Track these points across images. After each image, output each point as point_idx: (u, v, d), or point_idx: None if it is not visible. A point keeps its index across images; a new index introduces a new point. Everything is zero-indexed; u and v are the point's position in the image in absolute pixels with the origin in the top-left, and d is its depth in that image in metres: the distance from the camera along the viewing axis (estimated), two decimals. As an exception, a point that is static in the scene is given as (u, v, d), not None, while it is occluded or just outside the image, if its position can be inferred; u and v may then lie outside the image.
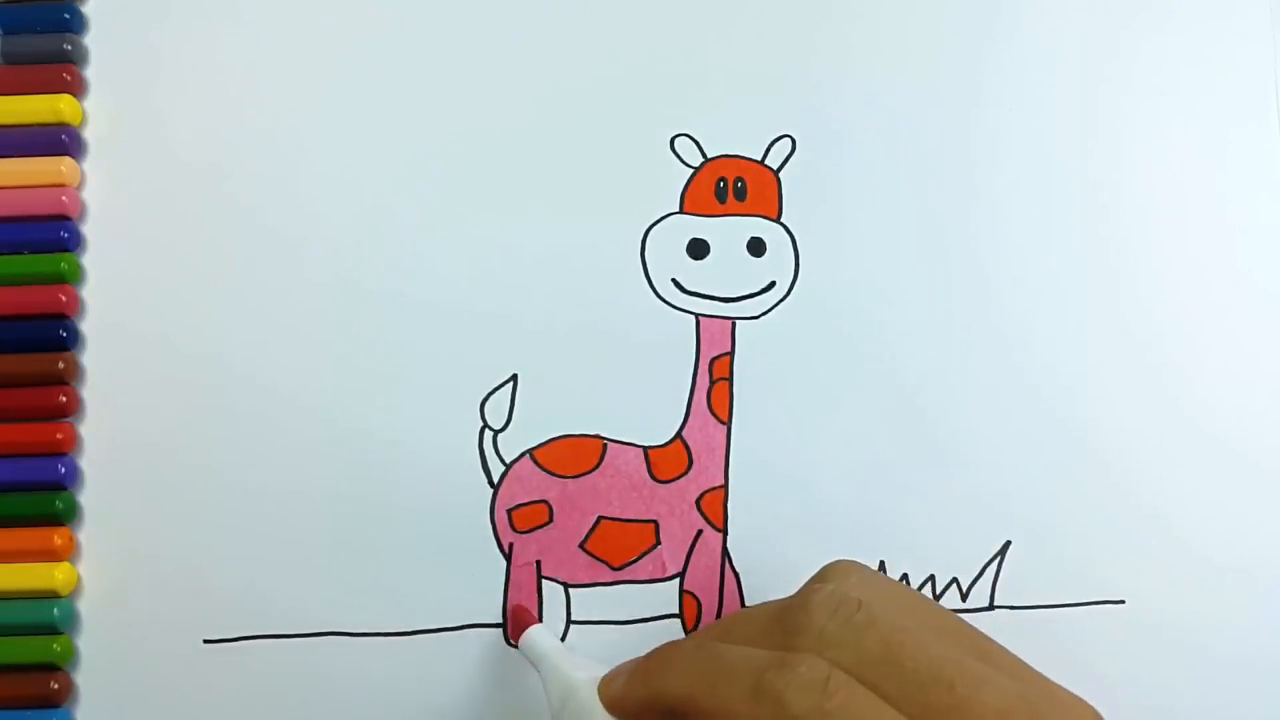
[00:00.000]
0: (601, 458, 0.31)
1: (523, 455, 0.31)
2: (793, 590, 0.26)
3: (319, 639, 0.31)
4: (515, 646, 0.31)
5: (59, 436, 0.31)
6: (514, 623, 0.30)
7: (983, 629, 0.24)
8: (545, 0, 0.33)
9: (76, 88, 0.32)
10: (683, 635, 0.31)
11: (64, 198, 0.31)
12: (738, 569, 0.31)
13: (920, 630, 0.22)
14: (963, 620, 0.24)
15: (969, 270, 0.32)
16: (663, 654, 0.25)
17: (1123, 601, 0.31)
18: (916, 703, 0.21)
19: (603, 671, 0.26)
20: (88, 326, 0.32)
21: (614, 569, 0.31)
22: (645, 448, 0.31)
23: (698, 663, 0.24)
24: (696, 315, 0.32)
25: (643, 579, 0.31)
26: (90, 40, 0.32)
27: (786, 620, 0.23)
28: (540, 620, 0.30)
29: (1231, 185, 0.32)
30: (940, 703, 0.21)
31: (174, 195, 0.32)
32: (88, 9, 0.33)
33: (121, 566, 0.31)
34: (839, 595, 0.23)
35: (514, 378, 0.31)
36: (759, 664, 0.22)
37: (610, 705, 0.25)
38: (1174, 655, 0.31)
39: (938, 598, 0.31)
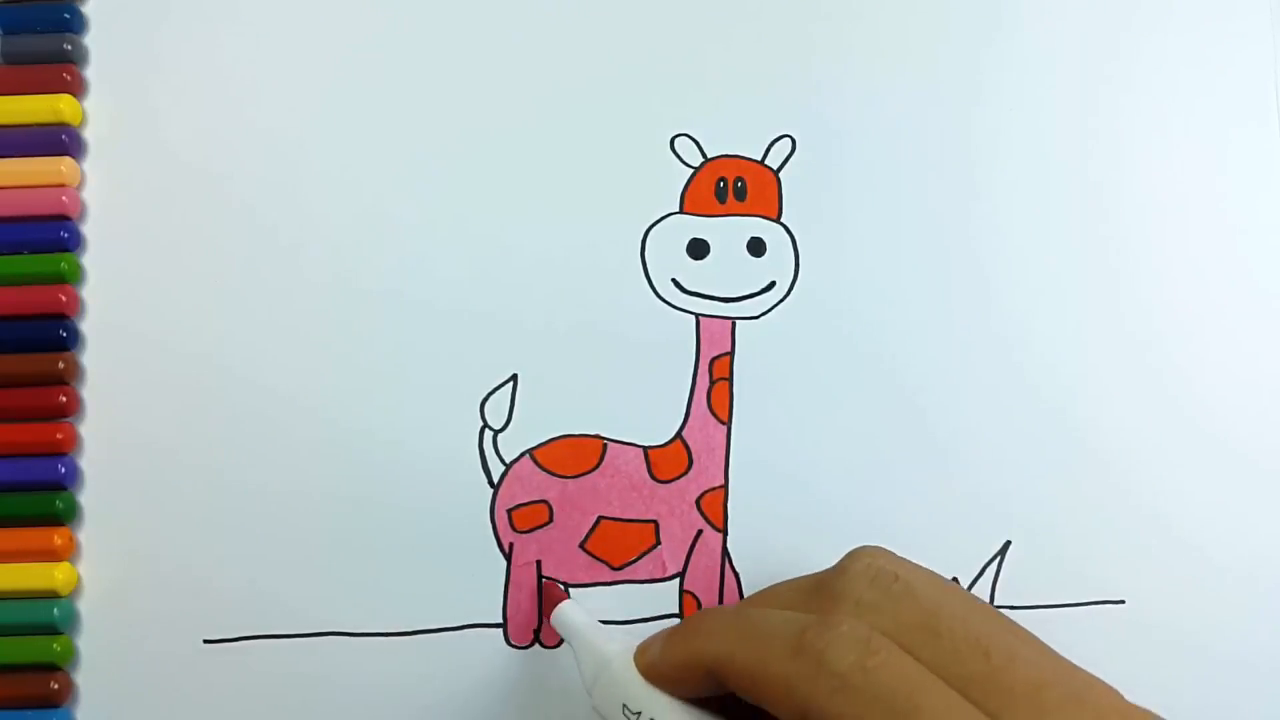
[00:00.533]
0: (601, 458, 0.31)
1: (523, 455, 0.31)
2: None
3: (319, 639, 0.31)
4: (516, 647, 0.31)
5: (59, 436, 0.31)
6: (546, 600, 0.30)
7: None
8: (545, 1, 0.33)
9: (76, 88, 0.32)
10: (683, 635, 0.31)
11: (64, 198, 0.31)
12: (738, 569, 0.31)
13: (955, 604, 0.23)
14: (988, 604, 0.24)
15: (969, 270, 0.32)
16: (700, 618, 0.25)
17: (1123, 601, 0.31)
18: (952, 670, 0.21)
19: (635, 643, 0.27)
20: (88, 326, 0.32)
21: (614, 569, 0.31)
22: (645, 448, 0.31)
23: (736, 625, 0.24)
24: (696, 315, 0.32)
25: (643, 579, 0.31)
26: (90, 40, 0.32)
27: (824, 589, 0.24)
28: (568, 596, 0.30)
29: (1231, 185, 0.32)
30: (976, 671, 0.21)
31: (174, 195, 0.32)
32: (88, 9, 0.32)
33: (121, 566, 0.31)
34: (876, 567, 0.24)
35: (514, 378, 0.31)
36: (799, 624, 0.23)
37: (646, 670, 0.26)
38: (1174, 655, 0.31)
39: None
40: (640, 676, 0.26)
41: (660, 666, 0.25)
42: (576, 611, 0.29)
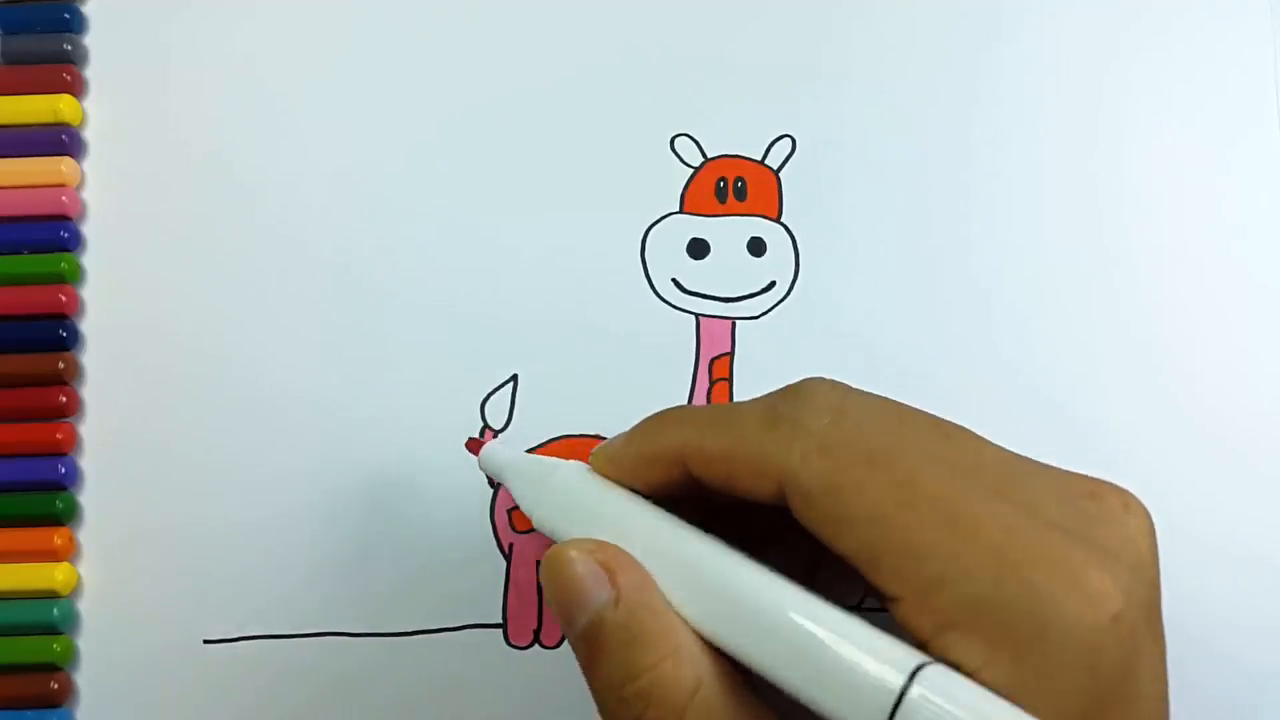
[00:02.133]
0: (601, 458, 0.31)
1: (523, 455, 0.31)
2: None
3: (319, 639, 0.31)
4: (516, 647, 0.31)
5: (59, 436, 0.31)
6: (471, 449, 0.28)
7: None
8: (547, 1, 0.33)
9: (76, 88, 0.32)
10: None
11: (64, 198, 0.31)
12: (738, 569, 0.31)
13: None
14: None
15: (969, 270, 0.32)
16: (662, 414, 0.24)
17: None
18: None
19: (579, 462, 0.25)
20: (88, 326, 0.32)
21: (614, 569, 0.31)
22: (645, 448, 0.31)
23: (704, 414, 0.23)
24: (696, 315, 0.32)
25: (643, 579, 0.31)
26: (90, 40, 0.32)
27: (780, 398, 0.23)
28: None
29: (1231, 185, 0.32)
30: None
31: (174, 195, 0.32)
32: (88, 9, 0.33)
33: (121, 566, 0.31)
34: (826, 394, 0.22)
35: (514, 378, 0.31)
36: (768, 401, 0.22)
37: (607, 466, 0.24)
38: (1174, 656, 0.31)
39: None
40: (595, 476, 0.24)
41: (623, 460, 0.24)
42: (503, 447, 0.27)
